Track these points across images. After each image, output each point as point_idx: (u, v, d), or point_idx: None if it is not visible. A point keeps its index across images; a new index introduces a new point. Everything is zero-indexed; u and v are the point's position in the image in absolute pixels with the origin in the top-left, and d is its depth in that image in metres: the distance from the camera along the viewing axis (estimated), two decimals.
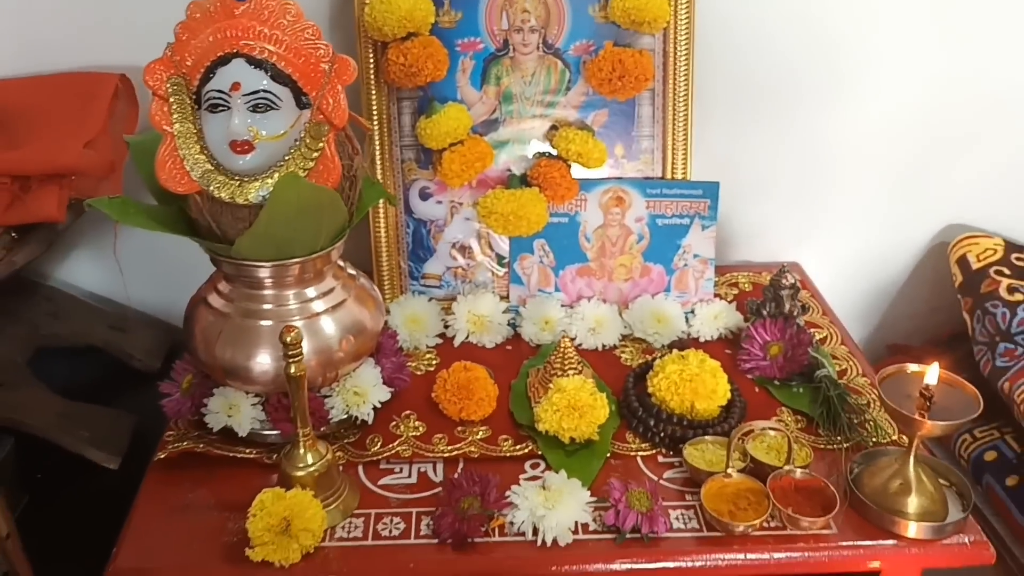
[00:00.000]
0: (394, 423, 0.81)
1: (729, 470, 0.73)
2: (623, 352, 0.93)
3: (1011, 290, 0.99)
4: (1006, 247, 1.06)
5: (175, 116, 0.67)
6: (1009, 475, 0.90)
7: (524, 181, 0.93)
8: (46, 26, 0.94)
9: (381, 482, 0.75)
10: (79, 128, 0.87)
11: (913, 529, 0.70)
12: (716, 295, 0.99)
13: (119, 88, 0.93)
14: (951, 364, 0.94)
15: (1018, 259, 1.04)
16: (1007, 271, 1.02)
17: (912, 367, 0.72)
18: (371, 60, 0.90)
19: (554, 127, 0.94)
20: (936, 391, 0.69)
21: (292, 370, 0.66)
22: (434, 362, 0.90)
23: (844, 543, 0.70)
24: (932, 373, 0.69)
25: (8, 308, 0.97)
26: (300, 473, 0.69)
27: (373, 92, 0.91)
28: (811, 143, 1.06)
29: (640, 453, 0.79)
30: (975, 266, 1.04)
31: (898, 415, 0.69)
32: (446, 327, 0.94)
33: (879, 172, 1.09)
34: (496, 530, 0.70)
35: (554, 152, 0.94)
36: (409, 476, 0.76)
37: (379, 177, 0.93)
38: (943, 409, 0.69)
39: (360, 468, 0.77)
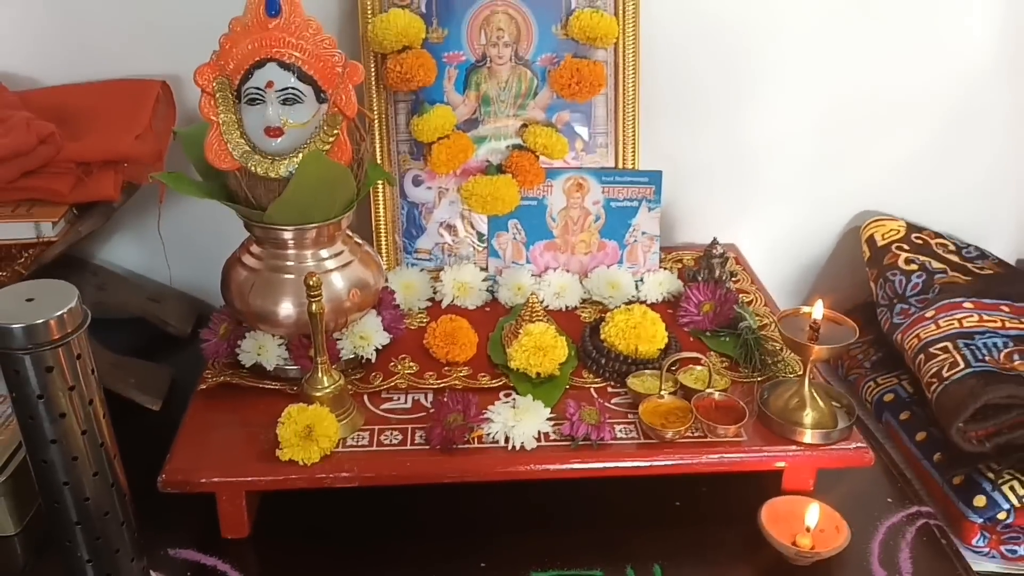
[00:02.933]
0: (392, 363, 0.96)
1: (662, 392, 0.89)
2: (582, 312, 1.08)
3: (908, 262, 1.16)
4: (907, 228, 1.22)
5: (220, 108, 0.83)
6: (903, 411, 1.05)
7: (500, 169, 1.09)
8: (98, 40, 1.09)
9: (382, 407, 0.90)
10: (130, 124, 1.02)
11: (808, 436, 0.86)
12: (661, 267, 1.15)
13: (160, 93, 1.08)
14: (862, 325, 1.12)
15: (916, 238, 1.21)
16: (906, 247, 1.19)
17: (805, 308, 0.88)
18: (373, 69, 1.06)
19: (524, 125, 1.10)
20: (823, 325, 0.86)
21: (313, 308, 0.81)
22: (425, 320, 1.05)
23: (753, 448, 0.86)
24: (818, 309, 0.85)
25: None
26: (318, 393, 0.85)
27: (374, 95, 1.07)
28: (741, 139, 1.21)
29: (593, 385, 0.94)
30: (880, 243, 1.20)
31: (792, 342, 0.85)
32: (435, 293, 1.09)
33: (800, 165, 1.24)
34: (476, 439, 0.85)
35: (524, 145, 1.09)
36: (405, 402, 0.91)
37: (388, 173, 1.09)
38: (829, 338, 0.86)
39: (365, 397, 0.91)
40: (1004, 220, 1.32)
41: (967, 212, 1.29)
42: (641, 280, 1.11)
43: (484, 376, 0.95)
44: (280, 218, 0.85)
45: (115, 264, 1.22)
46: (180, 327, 1.18)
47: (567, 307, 1.08)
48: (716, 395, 0.89)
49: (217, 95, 0.83)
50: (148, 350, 1.14)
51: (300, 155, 0.83)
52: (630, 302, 1.07)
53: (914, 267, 1.14)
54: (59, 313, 0.60)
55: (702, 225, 1.26)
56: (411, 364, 0.96)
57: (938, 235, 1.22)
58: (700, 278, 1.07)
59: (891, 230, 1.21)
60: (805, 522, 0.82)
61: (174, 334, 1.17)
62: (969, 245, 1.22)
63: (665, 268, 1.15)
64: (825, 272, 1.32)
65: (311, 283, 0.80)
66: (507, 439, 0.85)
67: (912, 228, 1.22)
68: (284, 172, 0.83)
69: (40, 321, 0.60)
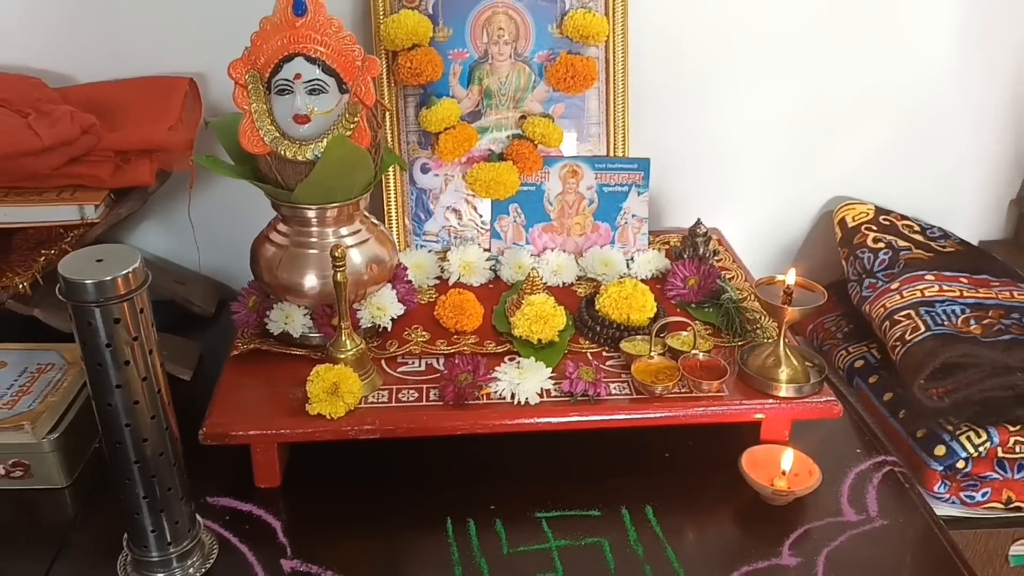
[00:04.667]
0: (406, 332, 1.04)
1: (652, 354, 0.97)
2: (578, 288, 1.15)
3: (875, 241, 1.24)
4: (876, 211, 1.31)
5: (252, 98, 0.91)
6: (872, 375, 1.14)
7: (501, 157, 1.17)
8: (131, 41, 1.16)
9: (399, 371, 0.98)
10: (162, 116, 1.09)
11: (784, 390, 0.94)
12: (650, 247, 1.23)
13: (188, 88, 1.16)
14: (835, 300, 1.20)
15: (884, 220, 1.29)
16: (874, 228, 1.27)
17: (779, 276, 0.96)
18: (384, 65, 1.14)
19: (523, 116, 1.17)
20: (795, 291, 0.94)
21: (338, 277, 0.89)
22: (434, 296, 1.12)
23: (735, 402, 0.93)
24: (791, 276, 0.94)
25: None
26: (342, 355, 0.92)
27: (386, 89, 1.15)
28: (723, 131, 1.29)
29: (590, 350, 1.02)
30: (851, 225, 1.29)
31: (767, 305, 0.94)
32: (442, 271, 1.16)
33: (778, 155, 1.33)
34: (484, 396, 0.93)
35: (524, 135, 1.17)
36: (419, 366, 0.98)
37: (400, 157, 1.17)
38: (801, 301, 0.94)
39: (383, 362, 0.99)
40: (967, 205, 1.41)
41: (932, 197, 1.38)
42: (632, 259, 1.19)
43: (490, 343, 1.03)
44: (306, 198, 0.93)
45: (144, 250, 1.29)
46: (205, 307, 1.25)
47: (564, 283, 1.16)
48: (700, 356, 0.97)
49: (249, 87, 0.91)
50: (176, 328, 1.21)
51: (325, 140, 0.91)
52: (622, 279, 1.15)
53: (881, 245, 1.23)
54: (125, 272, 0.68)
55: (688, 210, 1.32)
56: (423, 333, 1.04)
57: (904, 217, 1.31)
58: (685, 255, 1.16)
59: (861, 213, 1.30)
60: (781, 466, 0.91)
61: (199, 314, 1.25)
62: (933, 226, 1.30)
63: (654, 248, 1.23)
64: (802, 253, 1.41)
65: (336, 254, 0.88)
66: (513, 395, 0.93)
67: (880, 211, 1.31)
68: (311, 155, 0.91)
69: (109, 278, 0.67)
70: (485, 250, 1.19)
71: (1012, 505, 1.03)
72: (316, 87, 0.90)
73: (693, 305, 1.11)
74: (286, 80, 0.89)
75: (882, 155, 1.36)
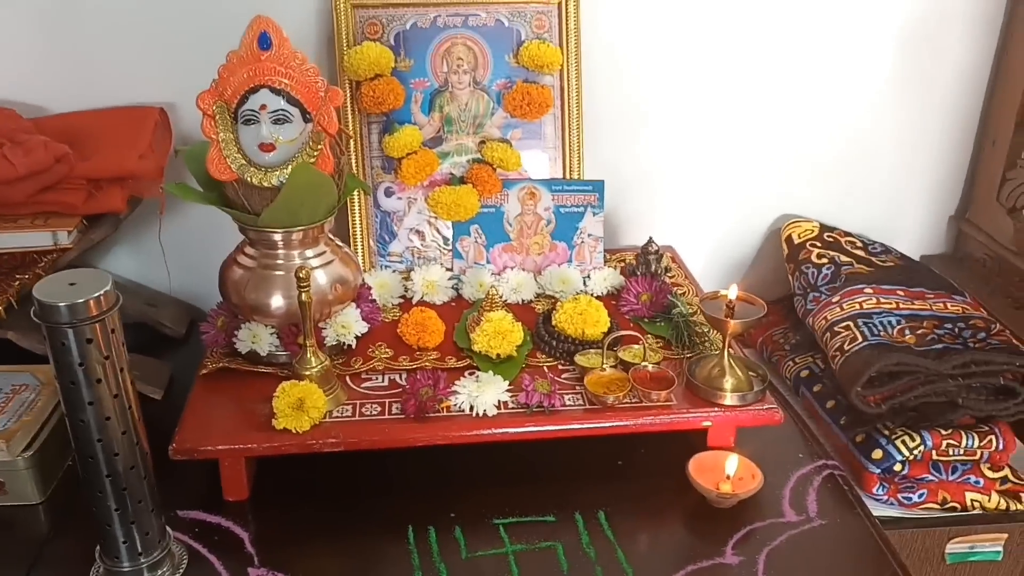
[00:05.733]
0: (371, 349, 1.07)
1: (604, 366, 1.02)
2: (537, 305, 1.19)
3: (819, 256, 1.30)
4: (820, 228, 1.37)
5: (220, 128, 0.95)
6: (816, 384, 1.19)
7: (462, 180, 1.22)
8: (102, 72, 1.20)
9: (362, 386, 1.01)
10: (133, 145, 1.12)
11: (728, 399, 0.98)
12: (606, 264, 1.28)
13: (159, 118, 1.20)
14: (784, 314, 1.25)
15: (828, 236, 1.35)
16: (819, 244, 1.33)
17: (722, 291, 1.01)
18: (348, 94, 1.18)
19: (483, 142, 1.22)
20: (737, 305, 0.99)
21: (303, 297, 0.93)
22: (398, 314, 1.15)
23: (682, 410, 0.98)
24: (732, 291, 0.99)
25: None
26: (307, 372, 0.96)
27: (350, 117, 1.19)
28: (676, 152, 1.35)
29: (546, 364, 1.06)
30: (797, 242, 1.35)
31: (711, 319, 0.99)
32: (406, 291, 1.20)
33: (727, 177, 1.38)
34: (444, 409, 0.97)
35: (483, 159, 1.22)
36: (382, 381, 1.02)
37: (364, 182, 1.21)
38: (743, 314, 0.99)
39: (347, 378, 1.02)
40: (909, 222, 1.48)
41: (876, 215, 1.45)
42: (588, 276, 1.24)
43: (451, 358, 1.07)
44: (272, 222, 0.97)
45: (116, 273, 1.32)
46: (175, 329, 1.28)
47: (523, 301, 1.21)
48: (650, 367, 1.02)
49: (217, 117, 0.95)
50: (148, 349, 1.23)
51: (289, 167, 0.95)
52: (577, 295, 1.19)
53: (824, 261, 1.28)
54: (97, 294, 0.72)
55: (644, 229, 1.38)
56: (387, 350, 1.08)
57: (848, 234, 1.37)
58: (639, 272, 1.21)
59: (806, 230, 1.36)
60: (726, 471, 0.95)
61: (170, 335, 1.28)
62: (876, 243, 1.36)
63: (610, 266, 1.28)
64: (753, 269, 1.46)
65: (301, 275, 0.92)
66: (471, 408, 0.96)
67: (825, 228, 1.37)
68: (276, 181, 0.95)
69: (81, 300, 0.71)
70: (447, 270, 1.23)
71: (948, 505, 1.08)
72: (280, 117, 0.94)
73: (646, 320, 1.16)
74: (252, 110, 0.94)
75: (827, 175, 1.42)
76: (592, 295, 1.20)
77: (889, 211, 1.45)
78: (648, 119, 1.34)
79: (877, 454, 1.05)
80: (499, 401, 0.98)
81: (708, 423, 0.99)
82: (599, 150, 1.31)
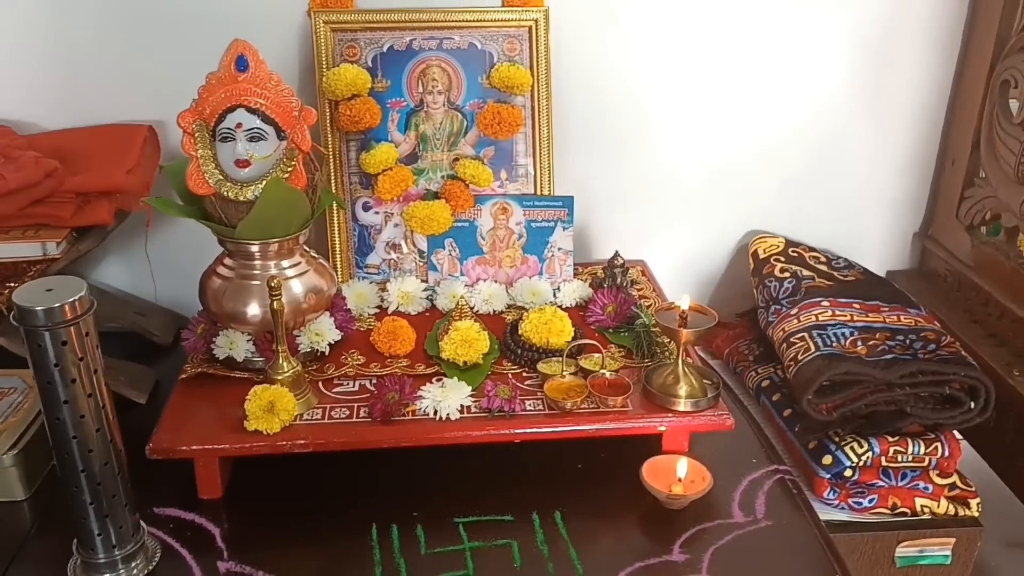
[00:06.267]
0: (343, 356, 1.12)
1: (564, 373, 1.06)
2: (508, 315, 1.24)
3: (782, 271, 1.34)
4: (785, 243, 1.41)
5: (198, 145, 1.00)
6: (775, 393, 1.23)
7: (436, 196, 1.27)
8: (94, 93, 1.25)
9: (334, 391, 1.06)
10: (121, 161, 1.17)
11: (682, 405, 1.02)
12: (576, 278, 1.32)
13: (147, 135, 1.25)
14: (748, 326, 1.29)
15: (792, 251, 1.39)
16: (782, 259, 1.37)
17: (675, 302, 1.05)
18: (328, 113, 1.24)
19: (456, 159, 1.28)
20: (690, 315, 1.03)
21: (275, 305, 0.97)
22: (374, 323, 1.21)
23: (638, 415, 1.02)
24: (684, 302, 1.03)
25: None
26: (279, 376, 1.00)
27: (330, 135, 1.24)
28: (644, 172, 1.39)
29: (511, 371, 1.10)
30: (762, 256, 1.39)
31: (665, 328, 1.03)
32: (382, 301, 1.25)
33: (697, 194, 1.42)
34: (410, 413, 1.01)
35: (456, 176, 1.27)
36: (353, 387, 1.07)
37: (337, 197, 1.27)
38: (695, 324, 1.03)
39: (320, 384, 1.07)
40: (874, 238, 1.51)
41: (843, 232, 1.49)
42: (558, 288, 1.29)
43: (420, 366, 1.11)
44: (248, 234, 1.01)
45: (106, 284, 1.38)
46: (163, 337, 1.33)
47: (495, 311, 1.25)
48: (608, 374, 1.06)
49: (196, 135, 1.00)
50: (136, 356, 1.28)
51: (264, 182, 1.00)
52: (543, 307, 1.23)
53: (787, 275, 1.32)
54: (72, 300, 0.76)
55: (616, 244, 1.40)
56: (359, 357, 1.13)
57: (812, 249, 1.41)
58: (605, 285, 1.25)
59: (772, 245, 1.40)
60: (677, 473, 0.99)
61: (158, 343, 1.33)
62: (840, 258, 1.40)
63: (580, 279, 1.32)
64: (722, 283, 1.50)
65: (272, 284, 0.96)
66: (435, 412, 1.01)
67: (790, 243, 1.41)
68: (251, 196, 1.00)
69: (57, 305, 0.76)
70: (422, 281, 1.28)
71: (898, 511, 1.11)
72: (256, 135, 0.99)
73: (611, 330, 1.20)
74: (228, 128, 0.99)
75: (795, 193, 1.46)
76: (561, 306, 1.24)
77: (855, 228, 1.49)
78: (620, 138, 1.38)
79: (827, 460, 1.09)
80: (462, 406, 1.02)
81: (663, 427, 1.03)
82: (571, 168, 1.35)
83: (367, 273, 1.29)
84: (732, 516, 0.98)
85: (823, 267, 1.36)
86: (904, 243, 1.52)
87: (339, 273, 1.28)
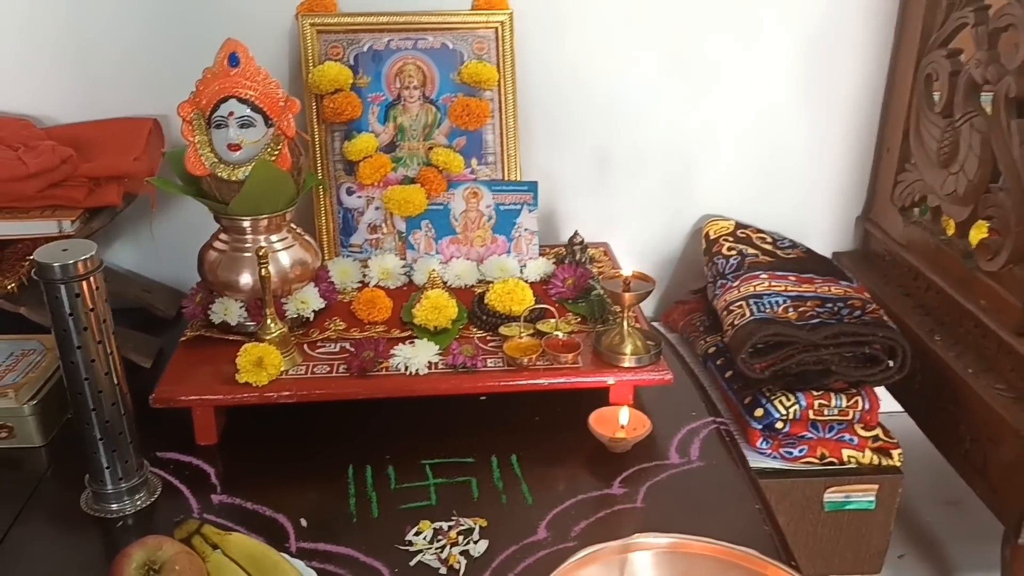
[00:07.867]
0: (327, 323, 1.23)
1: (522, 335, 1.17)
2: (478, 289, 1.34)
3: (729, 249, 1.45)
4: (735, 225, 1.52)
5: (196, 131, 1.12)
6: (719, 358, 1.33)
7: (412, 181, 1.39)
8: (105, 89, 1.38)
9: (317, 351, 1.17)
10: (129, 149, 1.29)
11: (627, 362, 1.13)
12: (542, 256, 1.43)
13: (152, 127, 1.37)
14: (702, 302, 1.40)
15: (741, 233, 1.50)
16: (731, 239, 1.48)
17: (617, 272, 1.17)
18: (314, 106, 1.35)
19: (431, 148, 1.39)
20: (633, 281, 1.14)
21: (263, 272, 1.09)
22: (355, 295, 1.33)
23: (588, 371, 1.13)
24: (627, 270, 1.14)
25: None
26: (268, 336, 1.12)
27: (316, 126, 1.36)
28: (606, 160, 1.50)
29: (476, 335, 1.21)
30: (712, 237, 1.50)
31: (609, 292, 1.14)
32: (364, 276, 1.36)
33: (656, 181, 1.53)
34: (384, 368, 1.12)
35: (431, 163, 1.39)
36: (335, 348, 1.18)
37: (320, 179, 1.38)
38: (636, 289, 1.14)
39: (305, 346, 1.18)
40: (821, 221, 1.62)
41: (791, 215, 1.59)
42: (525, 265, 1.39)
43: (396, 330, 1.22)
44: (239, 210, 1.13)
45: (115, 264, 1.50)
46: (166, 311, 1.44)
47: (466, 285, 1.35)
48: (561, 335, 1.17)
49: (194, 122, 1.12)
50: (143, 328, 1.38)
51: (253, 164, 1.11)
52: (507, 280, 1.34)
53: (733, 253, 1.43)
54: (84, 258, 0.88)
55: (581, 227, 1.52)
56: (341, 323, 1.24)
57: (760, 231, 1.52)
58: (566, 261, 1.36)
59: (723, 227, 1.51)
60: (620, 421, 1.10)
61: (161, 316, 1.44)
62: (786, 239, 1.51)
63: (546, 258, 1.43)
64: (680, 263, 1.61)
65: (260, 254, 1.08)
66: (406, 368, 1.12)
67: (740, 226, 1.52)
68: (242, 176, 1.11)
69: (71, 262, 0.87)
70: (401, 259, 1.39)
71: (826, 460, 1.22)
72: (246, 122, 1.10)
73: (570, 301, 1.31)
74: (222, 117, 1.10)
75: (747, 180, 1.57)
76: (527, 281, 1.35)
77: (802, 212, 1.60)
78: (582, 129, 1.49)
79: (759, 412, 1.20)
80: (430, 362, 1.13)
81: (611, 381, 1.14)
82: (536, 156, 1.47)
83: (351, 252, 1.40)
84: (669, 458, 1.09)
85: (768, 246, 1.47)
86: (848, 226, 1.63)
87: (325, 252, 1.39)
